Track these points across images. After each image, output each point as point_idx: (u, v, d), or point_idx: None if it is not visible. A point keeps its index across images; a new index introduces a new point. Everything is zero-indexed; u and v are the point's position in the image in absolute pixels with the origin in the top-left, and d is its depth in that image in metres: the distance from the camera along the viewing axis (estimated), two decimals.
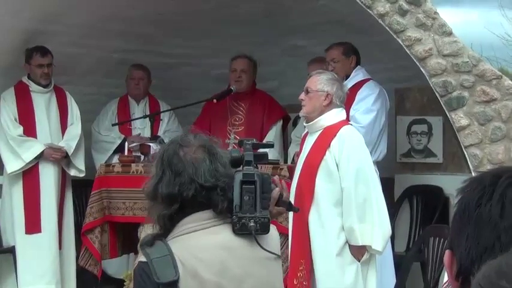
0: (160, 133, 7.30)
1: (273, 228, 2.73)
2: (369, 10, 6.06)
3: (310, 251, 5.21)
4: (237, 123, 7.22)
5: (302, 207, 4.98)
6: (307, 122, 5.40)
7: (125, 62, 7.62)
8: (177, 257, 2.55)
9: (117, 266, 7.16)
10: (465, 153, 6.05)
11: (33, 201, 6.75)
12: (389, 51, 6.88)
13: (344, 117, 5.37)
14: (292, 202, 4.22)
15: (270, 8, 7.70)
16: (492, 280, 1.35)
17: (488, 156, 6.00)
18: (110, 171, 6.63)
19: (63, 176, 6.96)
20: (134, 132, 7.41)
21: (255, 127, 7.14)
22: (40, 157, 6.78)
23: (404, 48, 6.05)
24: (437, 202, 6.99)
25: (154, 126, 7.26)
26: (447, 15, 6.73)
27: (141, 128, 7.42)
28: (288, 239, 5.41)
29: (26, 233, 6.74)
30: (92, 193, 6.62)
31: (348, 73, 6.44)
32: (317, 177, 5.18)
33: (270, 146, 3.16)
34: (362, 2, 6.05)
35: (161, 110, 7.45)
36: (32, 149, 6.76)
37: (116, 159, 6.99)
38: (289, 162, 6.63)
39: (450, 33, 6.07)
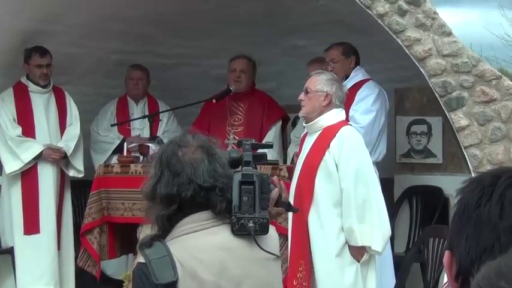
0: (159, 133, 7.29)
1: (272, 229, 2.73)
2: (368, 10, 6.05)
3: (310, 251, 5.20)
4: (236, 123, 7.21)
5: (301, 207, 4.98)
6: (306, 123, 5.39)
7: (124, 63, 7.61)
8: (176, 257, 2.55)
9: (116, 267, 7.15)
10: (465, 153, 6.04)
11: (31, 201, 6.74)
12: (388, 52, 6.87)
13: (343, 117, 5.36)
14: (292, 203, 4.22)
15: (270, 8, 7.70)
16: (491, 281, 1.35)
17: (488, 157, 5.99)
18: (108, 172, 6.62)
19: (62, 177, 6.95)
20: (133, 133, 7.40)
21: (254, 127, 7.14)
22: (39, 157, 6.77)
23: (404, 48, 6.04)
24: (437, 203, 6.99)
25: (153, 127, 7.25)
26: (447, 15, 6.73)
27: (140, 128, 7.42)
28: (287, 239, 5.40)
29: (24, 234, 6.74)
30: (90, 194, 6.61)
31: (348, 73, 6.43)
32: (316, 177, 5.17)
33: (269, 146, 3.16)
34: (362, 2, 6.05)
35: (160, 110, 7.44)
36: (30, 150, 6.75)
37: (114, 160, 6.98)
38: (288, 163, 6.62)
39: (450, 34, 6.06)
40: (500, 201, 1.59)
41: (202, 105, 7.29)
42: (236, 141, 5.72)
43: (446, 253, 1.64)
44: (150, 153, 6.56)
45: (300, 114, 5.49)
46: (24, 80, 6.97)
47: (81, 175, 7.00)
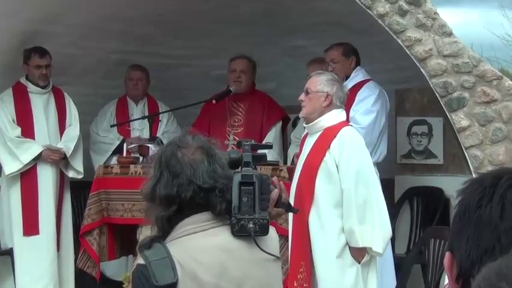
0: (159, 134, 7.28)
1: (272, 230, 2.72)
2: (368, 10, 6.05)
3: (311, 252, 5.19)
4: (236, 124, 7.20)
5: (302, 208, 4.97)
6: (307, 123, 5.38)
7: (124, 63, 7.61)
8: (175, 259, 2.54)
9: (116, 268, 7.15)
10: (466, 154, 6.03)
11: (31, 202, 6.73)
12: (389, 52, 6.87)
13: (344, 118, 5.35)
14: (292, 203, 4.21)
15: (270, 8, 7.70)
16: (492, 282, 1.35)
17: (489, 157, 5.99)
18: (108, 173, 6.62)
19: (62, 178, 6.94)
20: (133, 133, 7.40)
21: (255, 128, 7.13)
22: (38, 158, 6.76)
23: (404, 48, 6.04)
24: (438, 203, 6.98)
25: (153, 127, 7.24)
26: (447, 15, 6.71)
27: (139, 129, 7.41)
28: (287, 240, 5.40)
29: (24, 235, 6.73)
30: (90, 195, 6.61)
31: (348, 74, 6.43)
32: (317, 178, 5.16)
33: (268, 147, 3.16)
34: (362, 3, 6.04)
35: (160, 111, 7.43)
36: (30, 150, 6.74)
37: (114, 161, 6.98)
38: (288, 164, 6.62)
39: (450, 34, 6.06)
40: (501, 202, 1.58)
41: (202, 105, 7.29)
42: (236, 142, 5.71)
43: (447, 254, 1.64)
44: (150, 154, 6.56)
45: (301, 114, 5.48)
46: (23, 80, 6.96)
47: (80, 176, 6.99)
